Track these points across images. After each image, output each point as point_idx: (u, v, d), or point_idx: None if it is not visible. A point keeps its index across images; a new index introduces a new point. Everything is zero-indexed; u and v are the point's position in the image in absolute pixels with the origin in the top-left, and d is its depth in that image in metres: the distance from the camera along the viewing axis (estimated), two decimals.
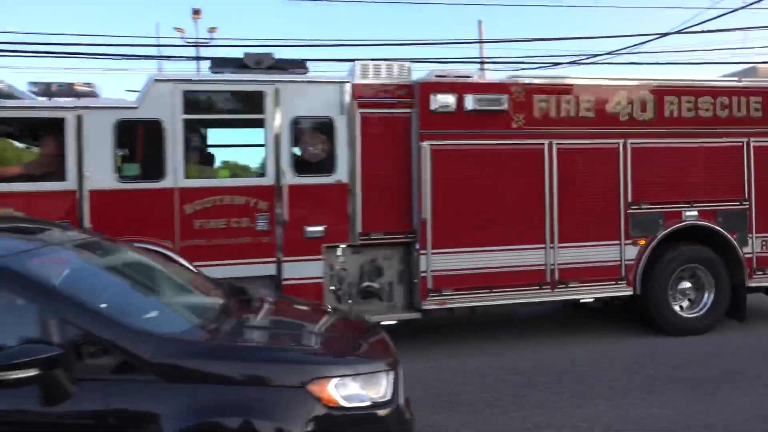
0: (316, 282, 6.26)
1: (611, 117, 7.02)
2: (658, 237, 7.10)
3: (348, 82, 6.39)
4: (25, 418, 2.49)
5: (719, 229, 7.27)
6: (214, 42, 20.94)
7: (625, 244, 7.03)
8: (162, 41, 23.08)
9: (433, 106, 6.48)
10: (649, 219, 7.12)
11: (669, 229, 7.13)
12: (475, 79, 6.81)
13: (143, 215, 5.86)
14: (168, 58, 31.13)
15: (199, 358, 2.71)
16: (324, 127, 6.34)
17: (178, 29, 21.24)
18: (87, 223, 5.70)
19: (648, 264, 7.07)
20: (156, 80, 5.94)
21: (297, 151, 6.33)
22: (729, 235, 7.28)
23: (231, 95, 6.21)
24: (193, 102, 6.04)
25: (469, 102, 6.54)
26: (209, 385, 2.63)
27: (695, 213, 7.22)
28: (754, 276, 7.39)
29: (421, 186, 6.46)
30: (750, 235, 7.38)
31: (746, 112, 7.40)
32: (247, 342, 3.13)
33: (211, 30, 23.23)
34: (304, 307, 4.18)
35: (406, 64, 6.88)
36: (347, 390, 2.79)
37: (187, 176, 6.02)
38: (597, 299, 7.17)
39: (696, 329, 7.16)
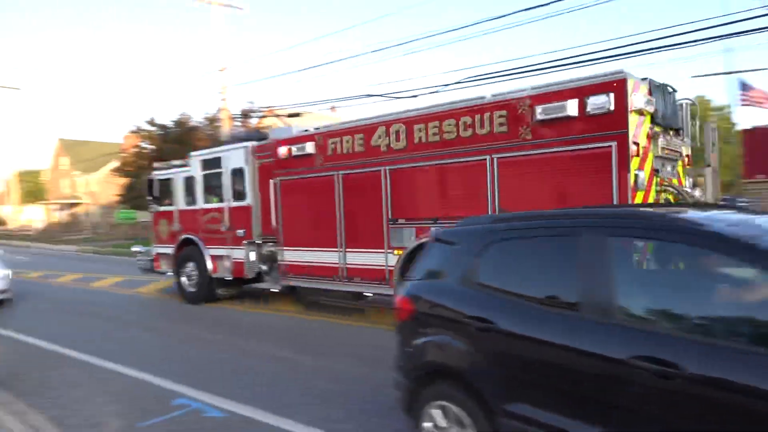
0: (241, 261, 11.05)
1: (375, 149, 8.66)
2: (408, 248, 8.27)
3: (248, 146, 10.79)
4: None
5: None
6: None
7: (388, 253, 8.59)
8: None
9: (279, 155, 10.09)
10: (404, 233, 8.37)
11: (418, 242, 8.17)
12: (296, 134, 9.88)
13: (193, 222, 12.14)
14: None
15: None
16: (241, 173, 10.98)
17: None
18: (178, 224, 12.44)
19: (403, 270, 8.37)
20: (192, 155, 12.08)
21: (233, 187, 11.21)
22: None
23: (215, 160, 11.64)
24: (204, 164, 11.85)
25: (294, 151, 9.81)
26: None
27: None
28: None
29: (274, 206, 10.25)
30: None
31: (489, 129, 7.38)
32: None
33: None
34: None
35: (306, 128, 10.51)
36: None
37: (204, 202, 11.91)
38: (374, 293, 8.95)
39: None
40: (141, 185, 27.46)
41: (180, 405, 5.66)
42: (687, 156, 8.05)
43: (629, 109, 6.32)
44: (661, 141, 6.94)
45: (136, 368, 6.95)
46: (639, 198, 6.45)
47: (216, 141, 26.46)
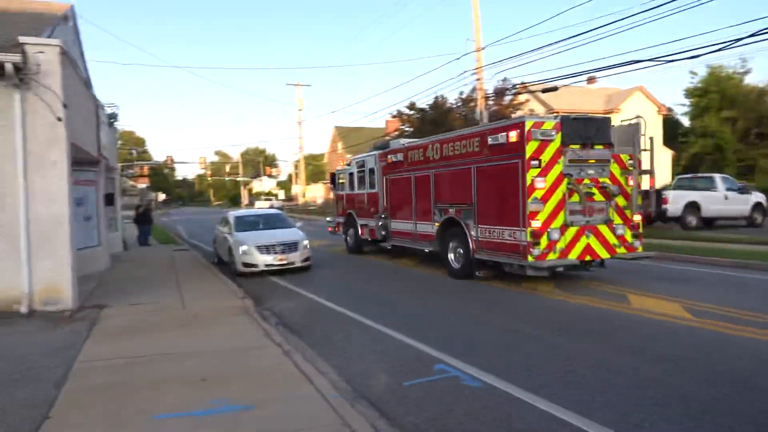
0: (374, 228, 16.93)
1: (427, 158, 13.64)
2: (440, 222, 13.13)
3: (377, 154, 16.55)
4: None
5: (459, 219, 12.34)
6: None
7: (434, 224, 13.55)
8: None
9: (387, 160, 15.67)
10: (438, 211, 13.23)
11: (443, 218, 12.98)
12: (398, 147, 15.25)
13: (352, 202, 18.51)
14: None
15: None
16: (373, 172, 16.81)
17: None
18: (345, 203, 18.97)
19: (438, 236, 13.28)
20: (352, 159, 18.37)
21: (370, 180, 17.12)
22: (464, 224, 12.21)
23: (362, 162, 17.67)
24: (357, 165, 18.04)
25: (393, 159, 15.30)
26: None
27: (453, 210, 12.63)
28: (477, 252, 11.87)
29: (385, 194, 15.90)
30: (475, 225, 11.91)
31: (471, 149, 11.86)
32: None
33: None
34: None
35: (404, 141, 15.96)
36: None
37: (358, 189, 18.12)
38: (430, 251, 13.93)
39: (460, 276, 12.61)
40: None
41: (440, 370, 6.19)
42: (632, 159, 11.28)
43: (527, 140, 10.30)
44: (570, 154, 10.60)
45: (400, 332, 7.91)
46: (539, 194, 10.37)
47: (470, 121, 27.60)
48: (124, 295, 11.10)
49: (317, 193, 79.17)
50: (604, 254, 11.03)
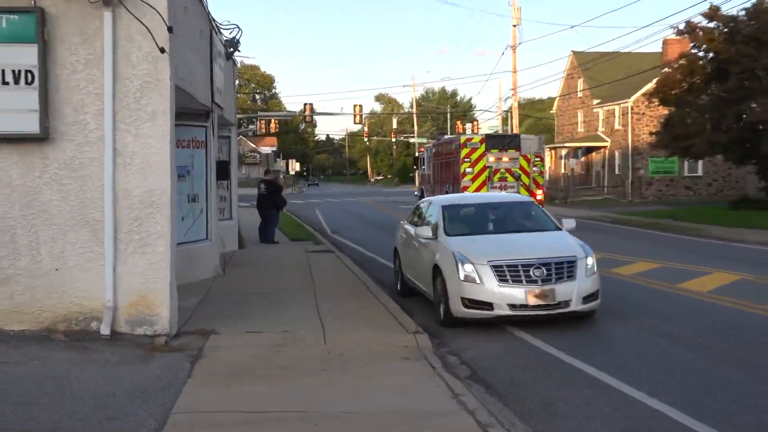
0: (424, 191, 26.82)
1: (441, 152, 23.21)
2: (447, 189, 22.66)
3: (431, 145, 26.41)
4: None
5: (451, 184, 21.81)
6: None
7: (447, 189, 23.11)
8: None
9: (432, 151, 25.43)
10: (447, 181, 22.70)
11: (446, 186, 22.44)
12: (435, 143, 25.02)
13: (422, 179, 28.51)
14: None
15: None
16: (430, 158, 26.53)
17: None
18: (420, 179, 29.10)
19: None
20: (425, 146, 28.38)
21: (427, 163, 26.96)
22: (453, 189, 21.60)
23: (427, 150, 27.55)
24: (425, 152, 27.98)
25: (434, 150, 25.14)
26: None
27: (450, 181, 22.02)
28: None
29: (432, 172, 25.76)
30: (454, 189, 21.30)
31: (451, 149, 21.30)
32: None
33: None
34: None
35: (446, 137, 25.59)
36: None
37: (426, 169, 28.01)
38: None
39: None
40: (691, 118, 22.50)
41: None
42: (538, 157, 19.73)
43: (462, 148, 19.46)
44: (490, 155, 19.43)
45: (673, 404, 5.11)
46: (468, 177, 19.48)
47: None
48: (240, 316, 8.30)
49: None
50: None
